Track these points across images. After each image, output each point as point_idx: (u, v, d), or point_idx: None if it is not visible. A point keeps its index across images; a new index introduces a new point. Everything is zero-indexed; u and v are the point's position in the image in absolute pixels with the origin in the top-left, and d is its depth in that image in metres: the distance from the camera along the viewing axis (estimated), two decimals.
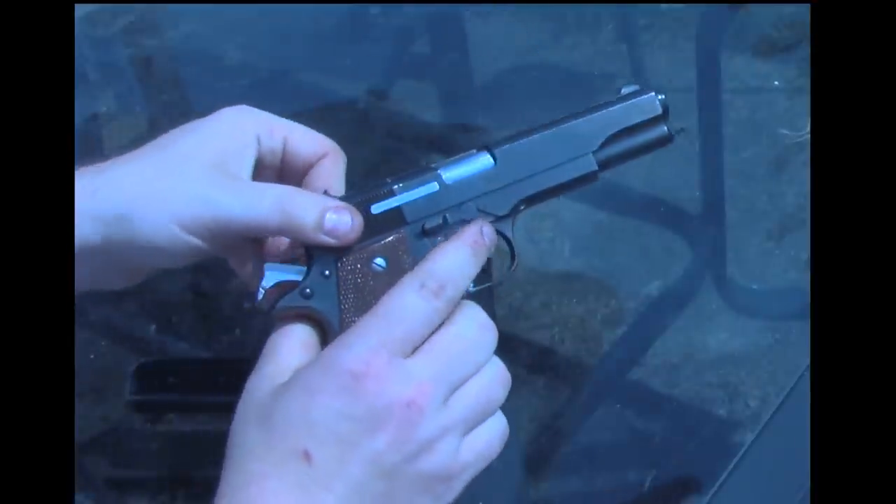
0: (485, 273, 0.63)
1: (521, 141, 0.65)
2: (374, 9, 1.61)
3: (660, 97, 0.66)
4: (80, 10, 1.47)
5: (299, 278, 0.62)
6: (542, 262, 1.15)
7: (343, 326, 0.61)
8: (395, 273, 0.61)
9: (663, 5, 1.56)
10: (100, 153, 0.64)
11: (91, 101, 1.47)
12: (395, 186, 0.63)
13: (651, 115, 0.66)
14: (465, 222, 0.63)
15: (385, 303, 0.60)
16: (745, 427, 1.03)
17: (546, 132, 0.66)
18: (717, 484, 0.79)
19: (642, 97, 0.66)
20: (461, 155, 0.65)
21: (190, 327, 1.16)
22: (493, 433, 0.61)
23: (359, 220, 0.62)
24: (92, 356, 1.13)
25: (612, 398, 1.09)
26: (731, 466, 0.80)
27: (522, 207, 0.65)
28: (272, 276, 0.62)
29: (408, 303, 0.59)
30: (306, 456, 0.56)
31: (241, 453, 0.58)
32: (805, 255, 1.16)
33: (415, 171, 0.64)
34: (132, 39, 1.58)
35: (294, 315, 0.62)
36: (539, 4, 1.58)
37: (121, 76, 1.56)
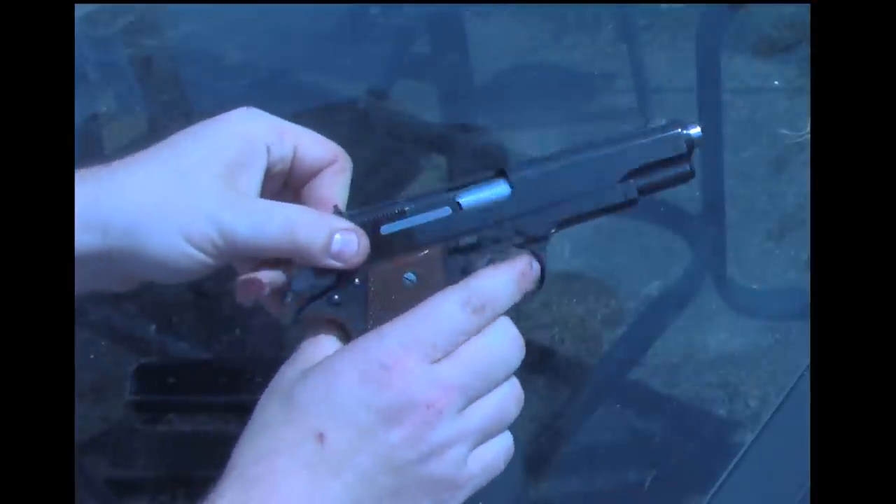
0: (525, 299, 0.63)
1: (541, 169, 0.64)
2: (374, 9, 1.61)
3: (685, 133, 0.64)
4: (80, 10, 1.47)
5: (329, 284, 0.61)
6: None
7: None
8: (425, 288, 0.61)
9: (663, 5, 1.56)
10: (100, 153, 0.64)
11: (91, 101, 1.47)
12: (407, 208, 0.62)
13: (676, 153, 0.64)
14: (498, 241, 0.63)
15: (426, 305, 0.60)
16: (745, 427, 1.03)
17: (567, 162, 0.64)
18: (717, 484, 0.79)
19: (669, 133, 0.64)
20: (478, 179, 0.64)
21: (190, 327, 1.16)
22: (500, 449, 0.61)
23: (365, 242, 0.61)
24: (92, 356, 1.13)
25: (612, 398, 1.09)
26: (731, 466, 0.80)
27: (554, 231, 0.64)
28: (302, 280, 0.61)
29: (448, 312, 0.59)
30: (321, 438, 0.57)
31: (258, 428, 0.58)
32: (805, 255, 1.16)
33: (429, 193, 0.63)
34: (132, 39, 1.58)
35: (322, 321, 0.61)
36: (539, 4, 1.58)
37: (121, 76, 1.56)
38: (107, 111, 1.49)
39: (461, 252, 0.62)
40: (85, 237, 0.61)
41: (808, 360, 0.65)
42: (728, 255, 1.23)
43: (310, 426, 0.57)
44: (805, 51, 1.39)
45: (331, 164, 0.67)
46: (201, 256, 0.61)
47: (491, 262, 0.63)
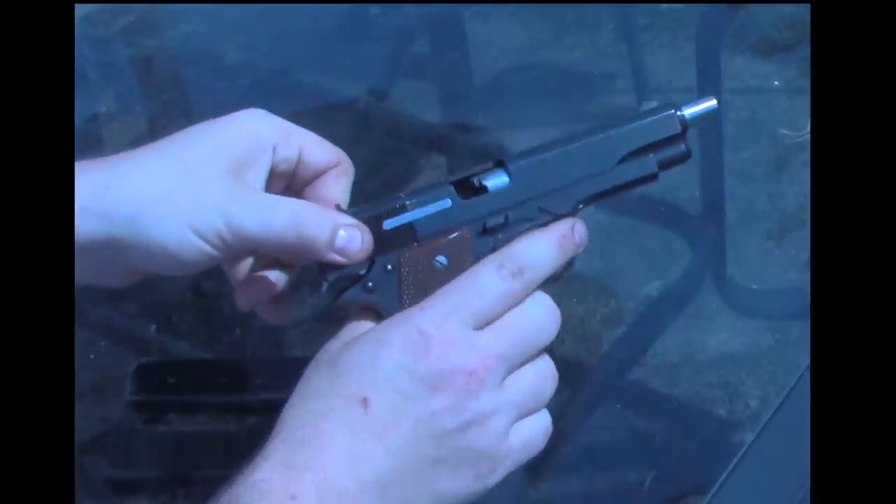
0: (566, 267, 0.64)
1: (537, 157, 0.65)
2: (374, 9, 1.61)
3: (679, 114, 0.66)
4: (80, 10, 1.47)
5: (362, 272, 0.62)
6: None
7: None
8: (457, 271, 0.62)
9: (663, 5, 1.56)
10: (100, 153, 0.64)
11: (91, 101, 1.47)
12: (408, 202, 0.63)
13: (669, 134, 0.65)
14: (526, 220, 0.64)
15: (463, 276, 0.61)
16: (745, 427, 1.03)
17: (564, 148, 0.65)
18: (717, 484, 0.79)
19: (662, 115, 0.66)
20: (477, 170, 0.65)
21: (190, 327, 1.16)
22: (538, 426, 0.62)
23: (368, 238, 0.62)
24: (92, 356, 1.13)
25: (612, 398, 1.09)
26: (731, 466, 0.80)
27: (582, 207, 0.65)
28: (335, 272, 0.62)
29: (484, 278, 0.61)
30: (365, 402, 0.58)
31: (303, 396, 0.60)
32: (805, 255, 1.16)
33: (428, 186, 0.64)
34: (132, 39, 1.58)
35: (358, 308, 0.63)
36: (539, 4, 1.58)
37: (121, 76, 1.56)
38: (107, 111, 1.49)
39: (489, 233, 0.63)
40: (88, 225, 0.61)
41: (808, 360, 0.65)
42: (728, 255, 1.23)
43: (354, 392, 0.58)
44: (805, 51, 1.39)
45: (334, 167, 0.68)
46: (207, 248, 0.62)
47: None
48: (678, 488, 0.99)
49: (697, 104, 0.67)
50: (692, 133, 0.67)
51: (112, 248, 0.62)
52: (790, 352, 1.10)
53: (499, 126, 1.40)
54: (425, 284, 0.62)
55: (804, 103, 1.31)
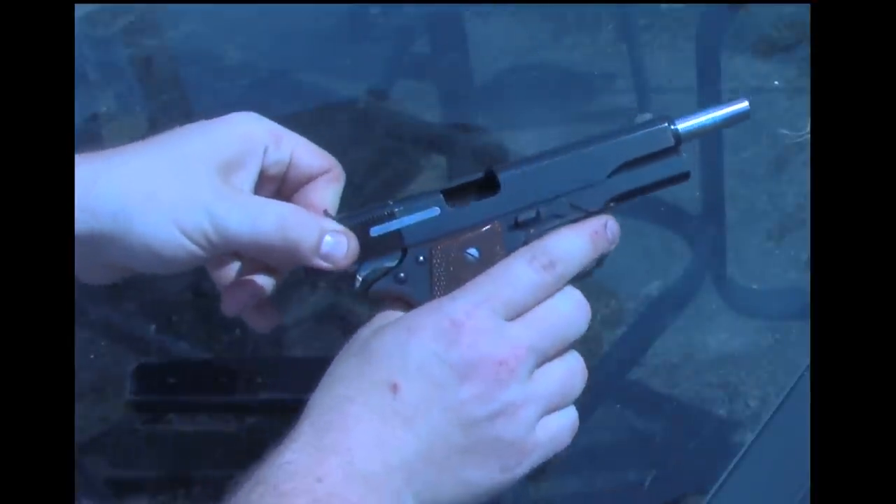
0: (597, 264, 0.65)
1: (527, 168, 0.65)
2: (374, 9, 1.61)
3: (672, 127, 0.65)
4: (80, 10, 1.47)
5: (393, 265, 0.63)
6: None
7: None
8: (488, 264, 0.62)
9: (663, 5, 1.56)
10: None
11: (91, 101, 1.47)
12: (396, 209, 0.63)
13: (662, 147, 0.65)
14: (557, 217, 0.64)
15: (495, 268, 0.62)
16: (745, 427, 1.03)
17: (554, 159, 0.65)
18: (717, 484, 0.79)
19: (654, 128, 0.65)
20: (467, 181, 0.65)
21: (190, 327, 1.16)
22: (566, 422, 0.62)
23: (354, 244, 0.63)
24: (92, 356, 1.13)
25: (612, 398, 1.09)
26: (731, 466, 0.80)
27: (613, 205, 0.65)
28: (368, 264, 0.63)
29: (516, 269, 0.61)
30: (394, 388, 0.58)
31: (333, 380, 0.60)
32: (805, 255, 1.16)
33: (418, 194, 0.65)
34: (132, 39, 1.58)
35: (389, 298, 0.63)
36: (539, 4, 1.58)
37: (121, 76, 1.56)
38: (107, 111, 1.49)
39: (521, 227, 0.64)
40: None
41: (808, 360, 0.65)
42: (728, 255, 1.23)
43: (383, 377, 0.58)
44: (805, 51, 1.39)
45: (325, 172, 0.68)
46: (192, 247, 0.61)
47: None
48: (678, 488, 0.99)
49: (694, 117, 0.66)
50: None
51: (94, 243, 0.61)
52: (790, 352, 1.10)
53: (499, 126, 1.40)
54: (456, 276, 0.62)
55: (804, 103, 1.31)
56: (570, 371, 0.62)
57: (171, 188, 0.61)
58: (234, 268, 0.66)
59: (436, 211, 0.63)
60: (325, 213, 0.64)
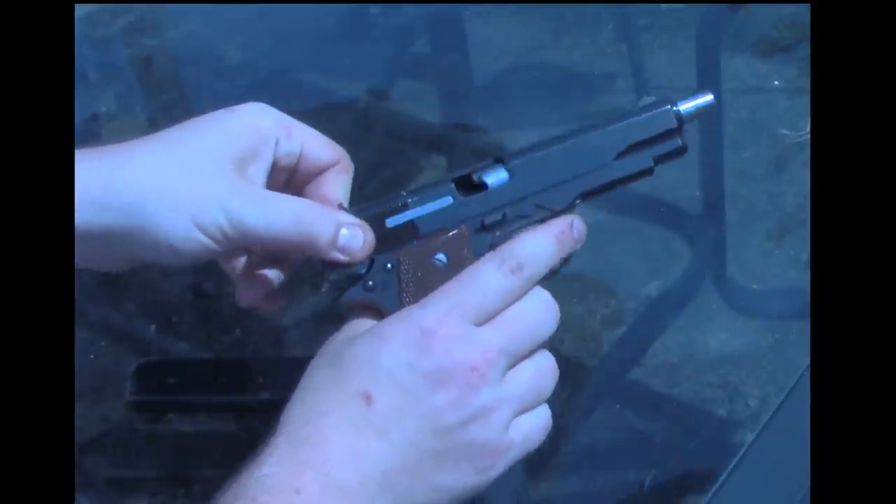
0: (563, 263, 0.65)
1: (536, 154, 0.65)
2: (374, 9, 1.61)
3: (675, 109, 0.66)
4: (80, 10, 1.47)
5: (362, 272, 0.63)
6: None
7: None
8: (456, 269, 0.62)
9: (663, 5, 1.56)
10: None
11: (91, 101, 1.47)
12: (410, 200, 0.64)
13: (665, 129, 0.66)
14: (522, 218, 0.64)
15: (464, 273, 0.62)
16: (745, 427, 1.03)
17: (562, 145, 0.65)
18: (717, 484, 0.79)
19: (658, 110, 0.66)
20: (477, 167, 0.65)
21: (190, 327, 1.16)
22: (539, 421, 0.62)
23: (370, 237, 0.63)
24: (92, 356, 1.13)
25: (612, 398, 1.09)
26: (731, 466, 0.80)
27: (579, 202, 0.65)
28: (337, 271, 0.63)
29: (485, 274, 0.61)
30: (368, 398, 0.58)
31: (307, 391, 0.60)
32: (805, 255, 1.16)
33: (430, 184, 0.65)
34: (132, 39, 1.58)
35: (359, 307, 0.63)
36: (539, 4, 1.58)
37: (121, 76, 1.56)
38: (107, 111, 1.49)
39: (487, 230, 0.64)
40: (88, 214, 0.61)
41: (808, 360, 0.65)
42: (728, 255, 1.24)
43: (357, 387, 0.58)
44: (805, 51, 1.39)
45: (335, 164, 0.68)
46: (208, 242, 0.62)
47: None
48: (678, 488, 0.99)
49: (693, 99, 0.67)
50: (693, 133, 0.67)
51: (109, 238, 0.61)
52: (790, 352, 1.10)
53: (499, 126, 1.40)
54: (425, 283, 0.62)
55: (804, 103, 1.31)
56: (541, 371, 0.62)
57: (187, 183, 0.62)
58: (244, 258, 0.66)
59: (448, 200, 0.64)
60: (340, 206, 0.64)
